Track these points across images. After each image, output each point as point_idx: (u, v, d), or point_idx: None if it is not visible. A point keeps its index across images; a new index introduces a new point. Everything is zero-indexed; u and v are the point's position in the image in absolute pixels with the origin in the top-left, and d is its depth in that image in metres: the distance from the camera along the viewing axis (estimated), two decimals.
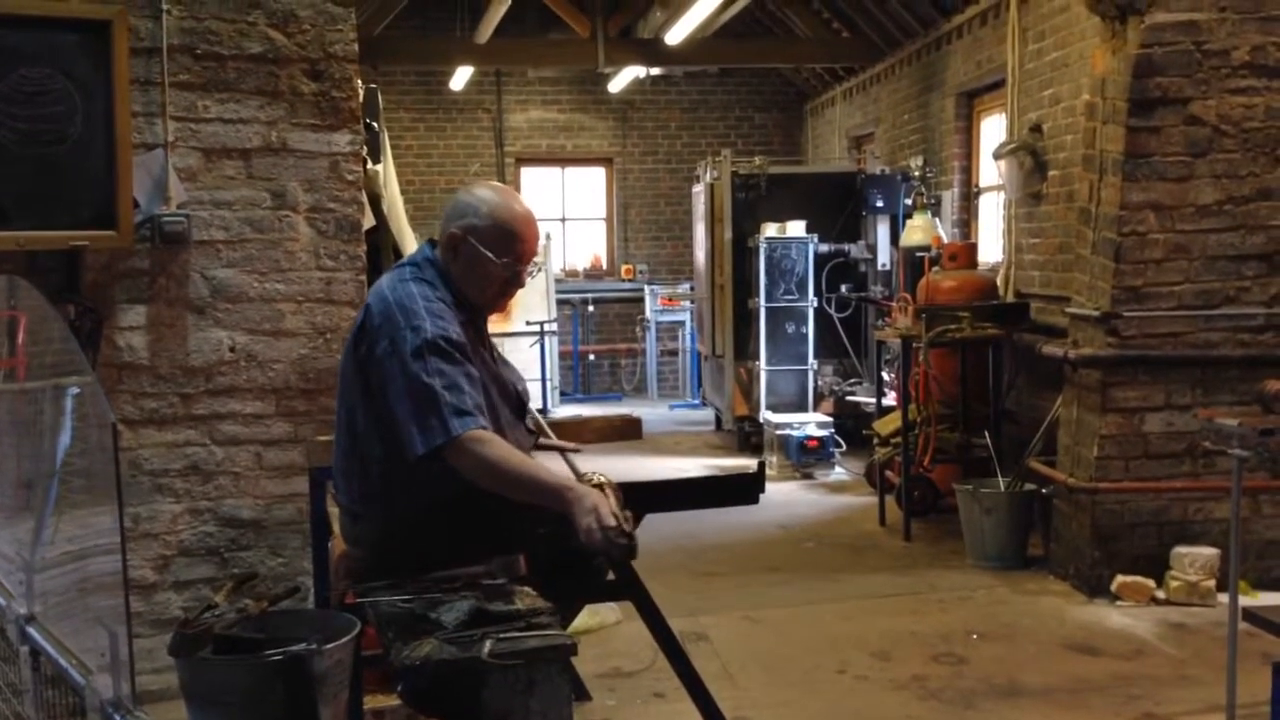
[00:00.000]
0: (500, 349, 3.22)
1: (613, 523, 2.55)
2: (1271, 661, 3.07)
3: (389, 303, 2.83)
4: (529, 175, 13.03)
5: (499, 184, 3.19)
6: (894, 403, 7.49)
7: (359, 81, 4.56)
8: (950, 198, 8.76)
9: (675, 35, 9.72)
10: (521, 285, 3.02)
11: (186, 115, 4.23)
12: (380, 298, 2.87)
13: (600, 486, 2.76)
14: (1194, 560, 5.32)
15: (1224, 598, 4.49)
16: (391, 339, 2.77)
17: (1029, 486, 6.17)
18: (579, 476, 2.90)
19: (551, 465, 2.94)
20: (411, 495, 2.87)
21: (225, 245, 4.32)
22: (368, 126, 4.90)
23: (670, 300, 12.33)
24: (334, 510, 3.31)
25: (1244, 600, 4.12)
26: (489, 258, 2.90)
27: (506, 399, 3.03)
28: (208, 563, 4.37)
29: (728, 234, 9.45)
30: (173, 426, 4.30)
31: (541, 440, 3.28)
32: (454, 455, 2.71)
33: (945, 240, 8.06)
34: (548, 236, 11.27)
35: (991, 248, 8.10)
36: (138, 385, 4.25)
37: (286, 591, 3.09)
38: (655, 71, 11.98)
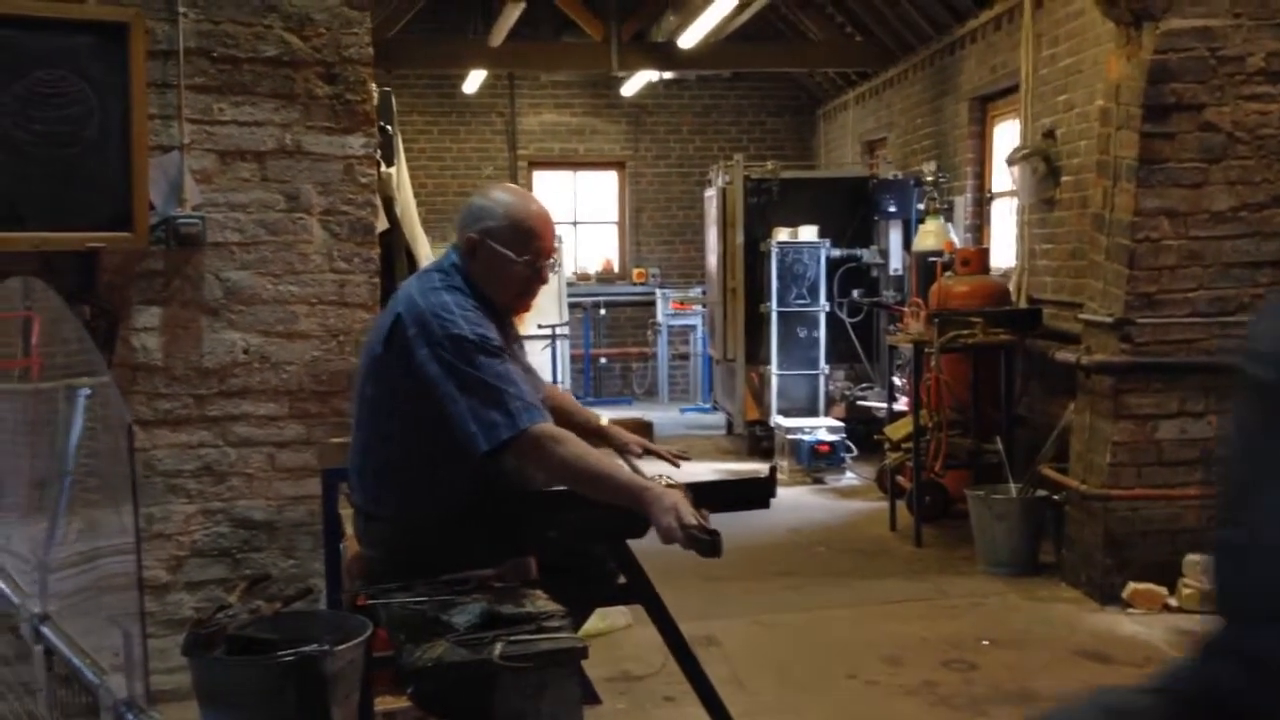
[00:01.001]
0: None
1: (694, 521, 2.56)
2: None
3: (422, 310, 2.83)
4: (541, 179, 13.04)
5: (510, 184, 3.21)
6: (905, 408, 7.48)
7: (373, 85, 4.57)
8: (963, 203, 8.75)
9: (688, 39, 9.73)
10: (544, 281, 3.03)
11: (202, 118, 4.25)
12: (411, 305, 2.86)
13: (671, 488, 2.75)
14: (1207, 568, 5.29)
15: None
16: (431, 345, 2.76)
17: (1041, 493, 6.15)
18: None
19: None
20: (425, 497, 2.88)
21: (239, 247, 4.33)
22: (381, 129, 4.92)
23: (682, 304, 12.33)
24: (347, 512, 3.32)
25: None
26: (509, 257, 2.91)
27: None
28: (220, 563, 4.38)
29: (740, 238, 9.44)
30: (186, 427, 4.32)
31: (650, 445, 3.29)
32: (524, 449, 2.69)
33: (958, 245, 8.04)
34: (560, 240, 11.29)
35: (1004, 253, 8.08)
36: (152, 386, 4.27)
37: (299, 593, 3.10)
38: (668, 75, 11.99)
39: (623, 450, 3.26)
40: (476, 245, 2.93)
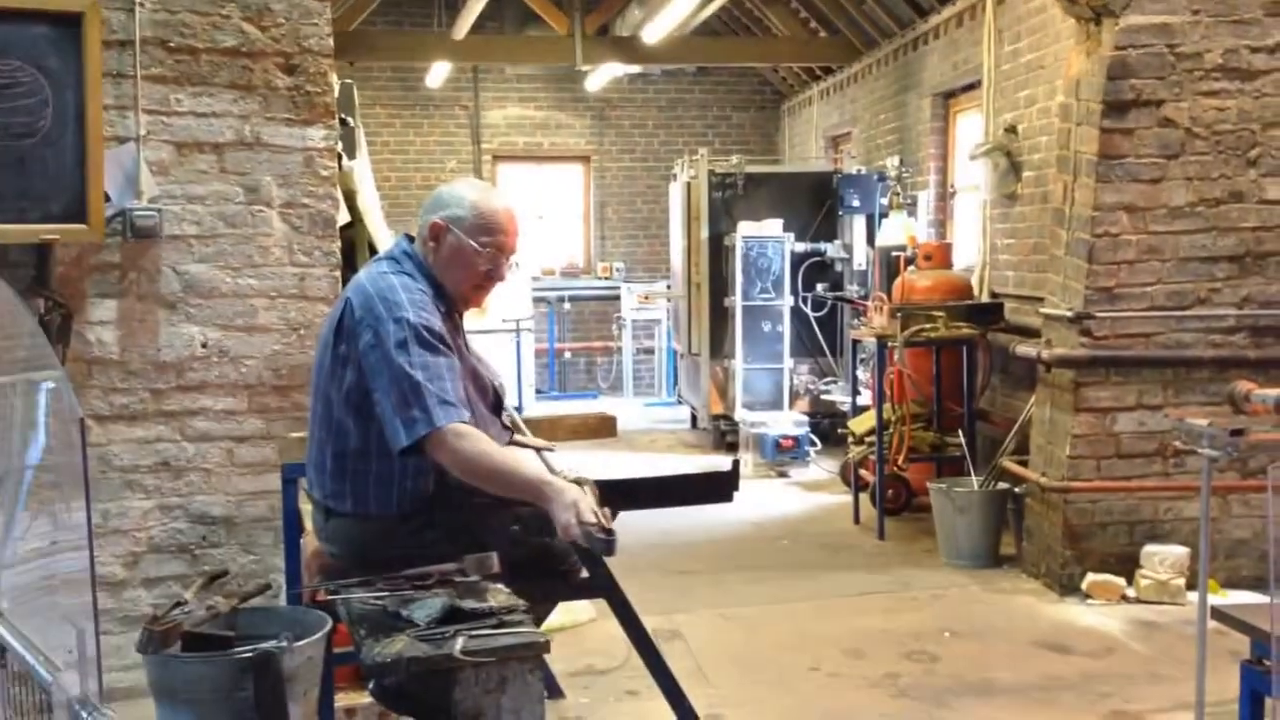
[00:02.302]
0: (479, 348, 3.21)
1: (592, 519, 2.56)
2: (1239, 660, 3.09)
3: (370, 295, 2.84)
4: (506, 172, 12.99)
5: (480, 180, 3.22)
6: (869, 402, 7.52)
7: (334, 76, 4.53)
8: (926, 198, 8.80)
9: (653, 33, 9.71)
10: (501, 279, 3.04)
11: (159, 108, 4.20)
12: (360, 291, 2.87)
13: (578, 483, 2.77)
14: (1164, 559, 5.36)
15: (1193, 596, 4.52)
16: (375, 331, 2.78)
17: (1002, 486, 6.20)
18: (555, 474, 2.91)
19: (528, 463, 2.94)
20: (384, 491, 2.86)
21: (197, 240, 4.28)
22: (343, 122, 4.88)
23: (646, 298, 12.33)
24: (307, 507, 3.29)
25: (1213, 599, 4.16)
26: (472, 247, 2.93)
27: (483, 394, 3.03)
28: (178, 559, 4.33)
29: (704, 233, 9.45)
30: (143, 422, 4.26)
31: (516, 438, 3.28)
32: (433, 447, 2.71)
33: (921, 240, 8.09)
34: (524, 235, 11.25)
35: (967, 248, 8.13)
36: (108, 380, 4.21)
37: (257, 589, 3.07)
38: (633, 70, 11.97)
39: (536, 448, 3.29)
40: (441, 232, 2.94)
